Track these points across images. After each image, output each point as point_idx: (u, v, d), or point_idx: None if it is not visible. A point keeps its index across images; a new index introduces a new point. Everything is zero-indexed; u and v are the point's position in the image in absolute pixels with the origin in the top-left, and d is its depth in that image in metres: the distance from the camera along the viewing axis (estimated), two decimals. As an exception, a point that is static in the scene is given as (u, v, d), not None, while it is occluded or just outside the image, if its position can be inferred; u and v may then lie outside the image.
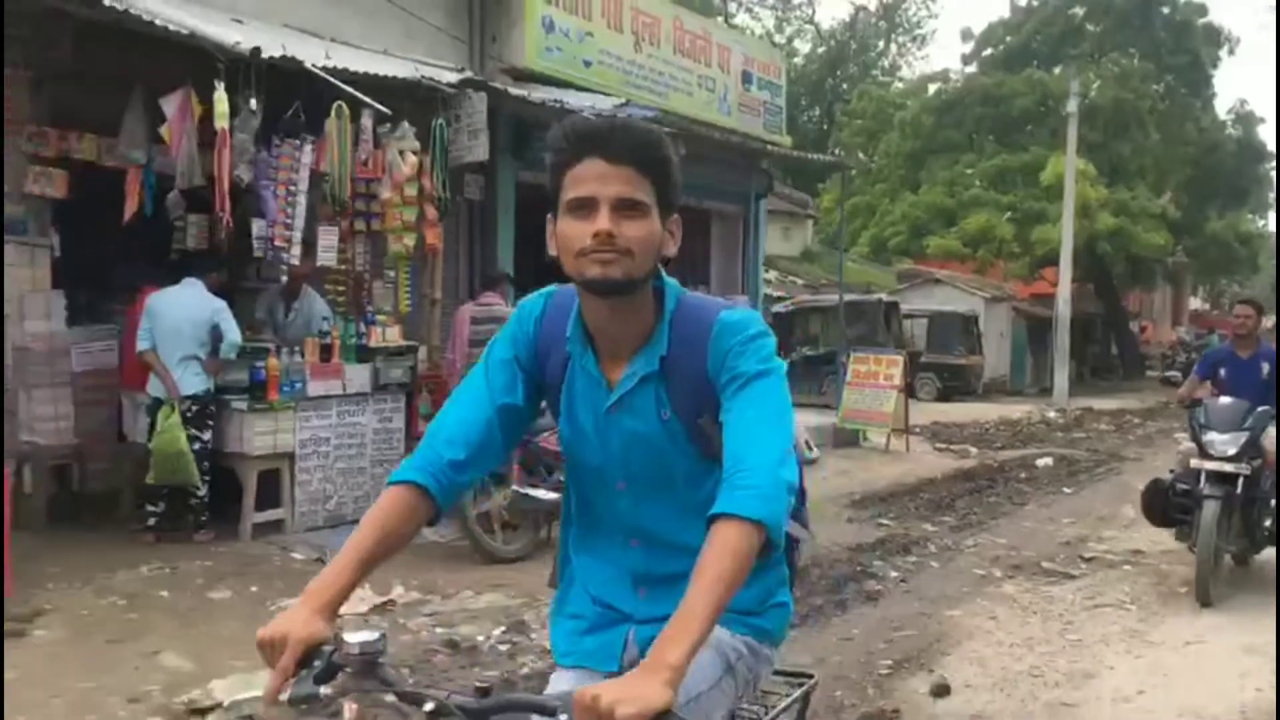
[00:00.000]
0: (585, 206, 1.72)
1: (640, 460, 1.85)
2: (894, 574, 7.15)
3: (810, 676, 2.30)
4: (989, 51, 34.25)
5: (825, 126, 43.09)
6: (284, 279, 7.63)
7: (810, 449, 11.89)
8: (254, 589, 6.31)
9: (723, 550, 1.58)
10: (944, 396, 22.14)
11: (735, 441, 1.71)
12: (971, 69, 34.36)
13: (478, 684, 1.63)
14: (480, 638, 5.51)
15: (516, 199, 10.27)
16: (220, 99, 6.17)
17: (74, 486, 7.25)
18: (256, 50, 6.05)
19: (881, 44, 48.56)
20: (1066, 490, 10.91)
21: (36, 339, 7.03)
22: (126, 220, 6.94)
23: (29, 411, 7.00)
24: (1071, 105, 22.17)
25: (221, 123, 6.21)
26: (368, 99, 6.94)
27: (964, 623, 6.12)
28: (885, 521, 8.91)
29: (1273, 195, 38.94)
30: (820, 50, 47.69)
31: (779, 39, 46.05)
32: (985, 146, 30.58)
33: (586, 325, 1.85)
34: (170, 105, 6.46)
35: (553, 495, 7.20)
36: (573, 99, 9.17)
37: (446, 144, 7.67)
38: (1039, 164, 26.80)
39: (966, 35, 34.80)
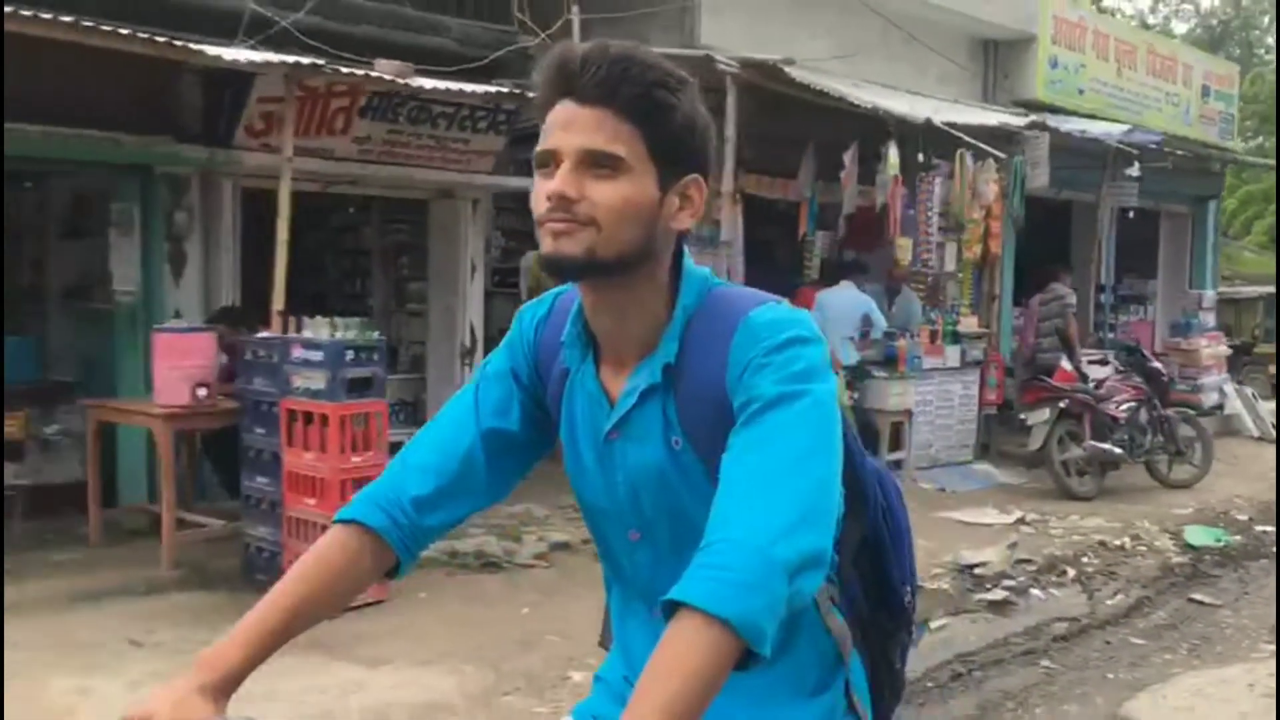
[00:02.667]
0: (549, 163, 1.33)
1: (653, 502, 1.41)
2: None
3: None
4: (1406, 28, 32.41)
5: (1205, 110, 41.80)
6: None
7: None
8: (899, 507, 8.76)
9: (671, 660, 1.13)
10: (1363, 389, 21.97)
11: (722, 499, 1.24)
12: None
13: None
14: (1116, 542, 7.64)
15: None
16: (893, 152, 8.61)
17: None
18: (927, 120, 8.44)
19: (1267, 20, 46.28)
20: None
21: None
22: (799, 238, 9.60)
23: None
24: None
25: (893, 170, 8.65)
26: (981, 144, 9.19)
27: None
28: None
29: None
30: (1197, 31, 46.12)
31: (1153, 20, 45.08)
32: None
33: (588, 325, 1.45)
34: (847, 157, 8.98)
35: (1119, 450, 9.24)
36: (1094, 128, 11.07)
37: (1024, 176, 9.80)
38: None
39: (1379, 12, 33.07)
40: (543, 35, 7.92)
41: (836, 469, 1.31)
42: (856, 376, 9.28)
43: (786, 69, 8.09)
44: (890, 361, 9.42)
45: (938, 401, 9.72)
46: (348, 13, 7.22)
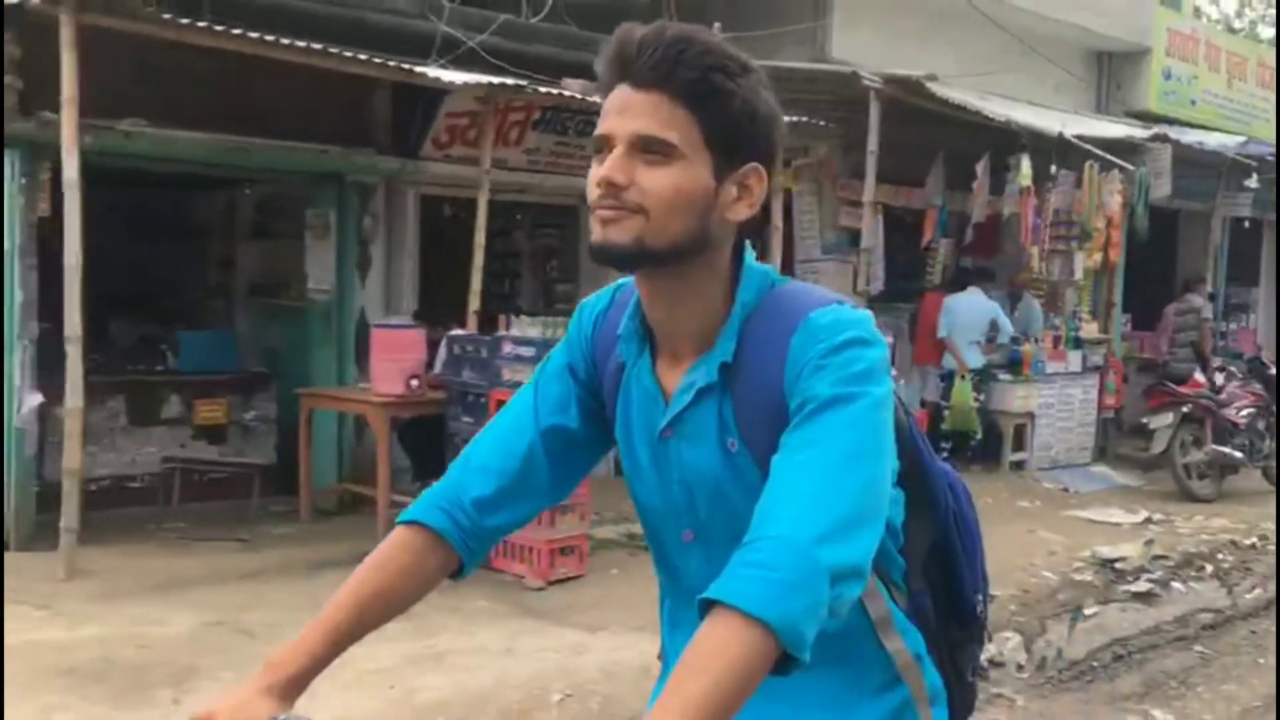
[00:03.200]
0: (603, 148, 1.30)
1: (707, 503, 1.38)
2: None
3: None
4: None
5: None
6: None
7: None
8: (1021, 503, 9.11)
9: (704, 659, 1.09)
10: None
11: (768, 495, 1.22)
12: None
13: None
14: (1246, 541, 7.94)
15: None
16: (1026, 164, 8.98)
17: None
18: (1060, 134, 8.80)
19: (1359, 24, 45.39)
20: None
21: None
22: (924, 244, 9.99)
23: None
24: None
25: (1025, 181, 9.03)
26: (1108, 156, 9.51)
27: None
28: None
29: None
30: (1286, 34, 45.37)
31: (1238, 25, 44.44)
32: None
33: (645, 318, 1.41)
34: (979, 168, 9.36)
35: (1239, 454, 9.51)
36: (1211, 139, 11.32)
37: (1149, 186, 10.10)
38: None
39: None
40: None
41: (886, 472, 1.27)
42: (982, 379, 9.64)
43: (928, 84, 8.50)
44: (1015, 365, 9.78)
45: (1059, 405, 10.05)
46: (525, 33, 7.77)
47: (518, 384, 5.90)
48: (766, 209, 11.37)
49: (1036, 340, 9.93)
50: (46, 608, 5.11)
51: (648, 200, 1.27)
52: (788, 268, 10.11)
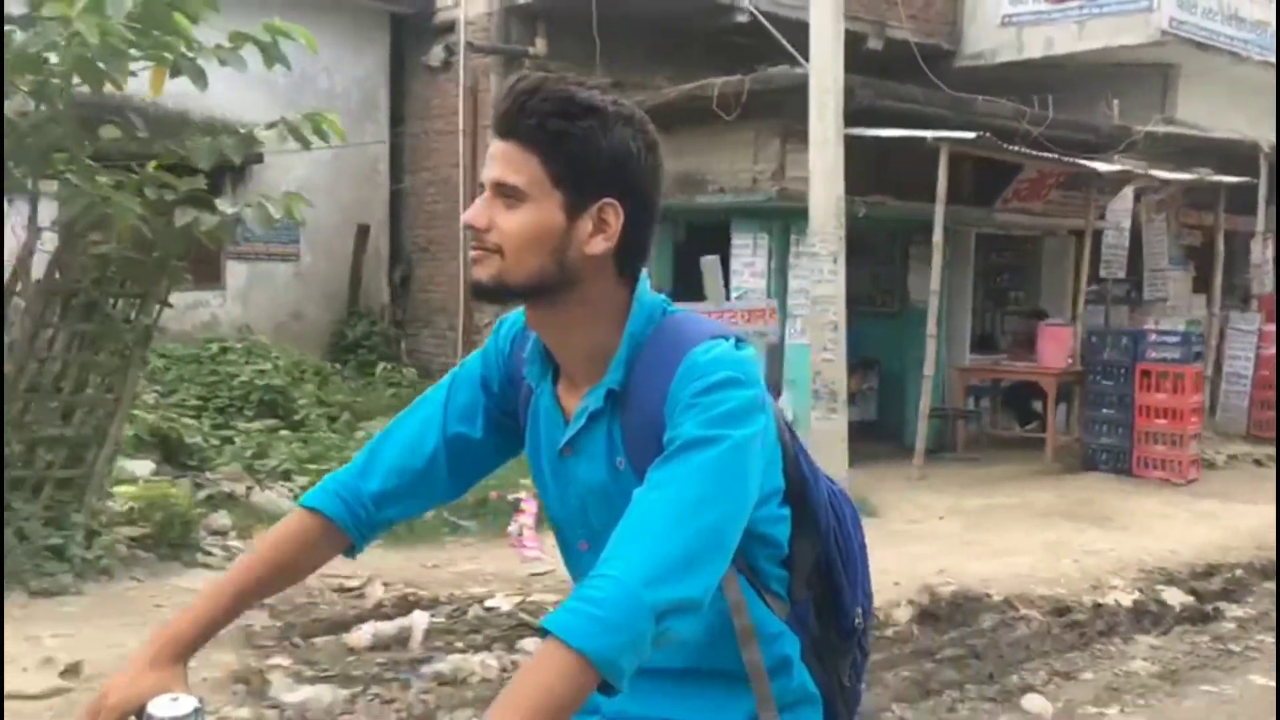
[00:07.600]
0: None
1: (599, 516, 1.50)
2: None
3: None
4: None
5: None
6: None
7: None
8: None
9: (531, 681, 1.26)
10: None
11: (618, 533, 1.34)
12: None
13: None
14: None
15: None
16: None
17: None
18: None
19: None
20: None
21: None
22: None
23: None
24: None
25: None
26: None
27: None
28: None
29: None
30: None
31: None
32: None
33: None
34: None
35: None
36: None
37: None
38: None
39: None
40: (1141, 129, 11.90)
41: (735, 514, 1.37)
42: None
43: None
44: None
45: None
46: (1064, 125, 11.16)
47: (1161, 360, 9.36)
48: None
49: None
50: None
51: (503, 241, 1.41)
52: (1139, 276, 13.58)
